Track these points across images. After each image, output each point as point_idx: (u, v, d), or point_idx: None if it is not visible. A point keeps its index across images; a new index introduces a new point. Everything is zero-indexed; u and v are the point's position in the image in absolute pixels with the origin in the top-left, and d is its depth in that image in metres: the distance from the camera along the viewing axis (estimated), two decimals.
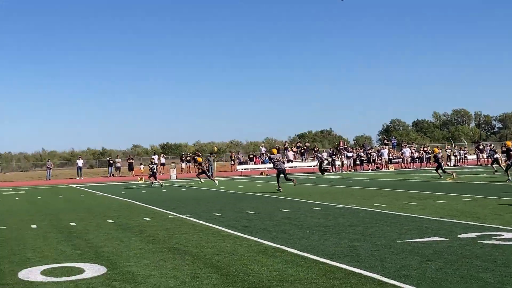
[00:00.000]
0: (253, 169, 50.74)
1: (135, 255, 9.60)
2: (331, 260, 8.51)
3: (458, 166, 50.42)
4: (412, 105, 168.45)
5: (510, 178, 25.33)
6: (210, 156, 48.04)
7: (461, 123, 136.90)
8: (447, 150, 54.63)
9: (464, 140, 67.87)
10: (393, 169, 47.92)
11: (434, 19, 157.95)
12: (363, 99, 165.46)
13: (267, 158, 46.33)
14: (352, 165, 49.41)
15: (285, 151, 54.78)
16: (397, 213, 14.41)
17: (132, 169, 51.06)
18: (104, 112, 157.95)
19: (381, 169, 48.84)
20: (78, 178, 49.70)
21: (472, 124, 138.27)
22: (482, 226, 11.63)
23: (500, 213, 13.63)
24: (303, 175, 42.27)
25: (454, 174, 29.88)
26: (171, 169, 45.69)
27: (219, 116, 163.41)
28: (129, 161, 53.05)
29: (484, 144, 57.26)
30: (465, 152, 54.93)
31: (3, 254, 10.34)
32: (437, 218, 13.04)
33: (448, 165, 50.59)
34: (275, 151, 26.46)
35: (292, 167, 50.34)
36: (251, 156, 54.84)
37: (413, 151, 54.06)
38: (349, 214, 14.64)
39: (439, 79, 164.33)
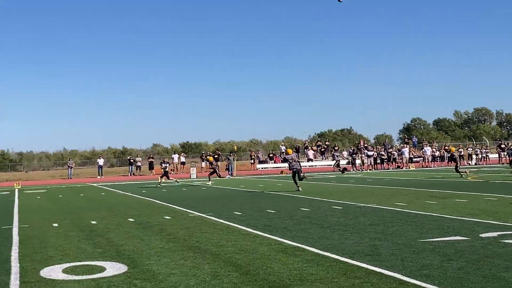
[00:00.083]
0: (273, 168, 50.71)
1: (156, 254, 9.63)
2: (352, 259, 8.48)
3: (480, 165, 50.07)
4: (433, 103, 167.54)
5: None
6: (230, 155, 48.12)
7: (483, 122, 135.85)
8: (469, 149, 54.27)
9: (486, 139, 67.36)
10: (414, 168, 47.67)
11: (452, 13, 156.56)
12: (383, 98, 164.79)
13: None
14: (372, 164, 49.22)
15: (305, 150, 54.76)
16: (418, 212, 14.32)
17: (153, 168, 51.27)
18: (124, 111, 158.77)
19: (402, 168, 48.60)
20: (99, 177, 50.00)
21: (494, 123, 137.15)
22: (504, 225, 11.52)
23: None
24: (323, 174, 42.21)
25: (467, 171, 30.52)
26: (191, 168, 45.80)
27: (240, 115, 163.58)
28: (149, 160, 53.29)
29: (506, 143, 56.79)
30: (486, 151, 54.54)
31: (25, 252, 10.43)
32: (459, 217, 12.95)
33: (469, 164, 50.28)
34: (290, 151, 26.32)
35: (312, 166, 50.30)
36: (271, 155, 54.85)
37: (434, 150, 53.74)
38: (370, 213, 14.58)
39: (460, 78, 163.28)
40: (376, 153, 50.33)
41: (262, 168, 50.64)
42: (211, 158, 34.98)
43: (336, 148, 55.01)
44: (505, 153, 51.52)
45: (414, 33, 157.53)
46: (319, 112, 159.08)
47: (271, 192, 23.95)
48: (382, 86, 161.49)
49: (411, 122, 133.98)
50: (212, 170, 32.64)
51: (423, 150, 52.51)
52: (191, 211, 16.61)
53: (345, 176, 37.71)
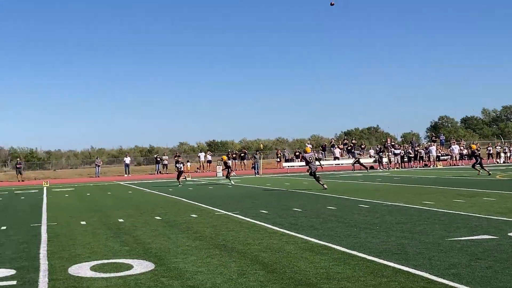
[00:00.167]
0: (299, 166, 50.63)
1: (183, 252, 9.67)
2: (379, 258, 8.44)
3: (508, 163, 49.50)
4: (461, 101, 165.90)
5: None
6: (256, 154, 48.14)
7: (511, 120, 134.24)
8: (497, 147, 53.69)
9: None
10: (442, 166, 47.29)
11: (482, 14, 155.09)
12: (411, 96, 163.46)
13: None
14: (399, 162, 48.92)
15: (332, 148, 54.60)
16: (445, 210, 14.20)
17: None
18: (152, 110, 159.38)
19: (429, 166, 48.28)
20: (126, 175, 50.35)
21: None
22: None
23: None
24: (350, 172, 42.07)
25: (480, 171, 31.10)
26: (217, 166, 45.92)
27: (265, 113, 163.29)
28: (175, 158, 53.44)
29: None
30: None
31: (53, 250, 10.54)
32: (487, 216, 12.82)
33: (498, 162, 49.77)
34: (308, 149, 26.10)
35: (339, 164, 50.14)
36: (297, 153, 54.76)
37: (462, 148, 53.26)
38: (397, 211, 14.50)
39: (488, 76, 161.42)
40: (403, 151, 50.04)
41: (288, 166, 50.60)
42: (225, 158, 34.75)
43: (363, 146, 54.90)
44: None
45: (442, 32, 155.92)
46: (345, 110, 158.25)
47: (297, 190, 23.91)
48: (409, 84, 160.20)
49: (439, 120, 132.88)
50: (226, 170, 32.24)
51: (451, 148, 52.05)
52: (218, 209, 16.66)
53: (371, 174, 37.54)
